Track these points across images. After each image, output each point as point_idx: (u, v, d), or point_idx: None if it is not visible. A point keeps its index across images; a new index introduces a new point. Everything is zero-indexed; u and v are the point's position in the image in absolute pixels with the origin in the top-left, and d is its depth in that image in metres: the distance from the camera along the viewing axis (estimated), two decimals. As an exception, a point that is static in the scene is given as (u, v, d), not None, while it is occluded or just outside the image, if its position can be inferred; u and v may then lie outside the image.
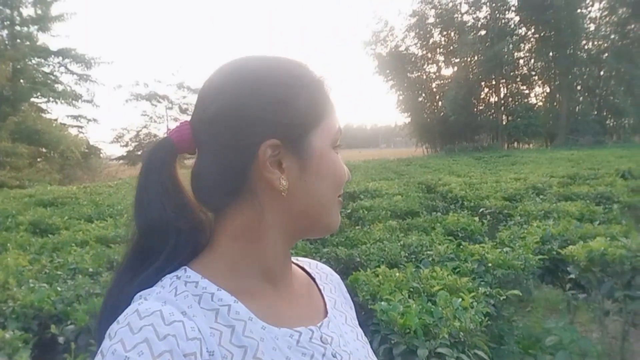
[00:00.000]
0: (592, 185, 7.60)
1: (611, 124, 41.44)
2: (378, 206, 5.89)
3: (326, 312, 0.70)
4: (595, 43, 42.16)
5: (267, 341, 0.57)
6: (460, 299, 2.38)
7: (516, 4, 41.78)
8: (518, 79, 42.91)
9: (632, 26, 39.62)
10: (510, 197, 6.79)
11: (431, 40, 43.98)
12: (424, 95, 44.28)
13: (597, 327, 3.78)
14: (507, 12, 43.11)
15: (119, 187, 14.09)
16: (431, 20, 43.57)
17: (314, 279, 0.76)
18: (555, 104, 41.56)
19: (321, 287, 0.74)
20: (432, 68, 44.80)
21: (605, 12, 41.69)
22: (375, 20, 62.13)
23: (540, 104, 43.63)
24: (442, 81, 43.97)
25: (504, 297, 2.72)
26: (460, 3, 43.38)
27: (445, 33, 43.40)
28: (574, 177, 9.69)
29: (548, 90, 43.36)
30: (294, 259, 0.75)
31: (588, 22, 41.59)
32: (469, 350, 2.15)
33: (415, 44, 44.26)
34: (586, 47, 42.15)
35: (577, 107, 40.96)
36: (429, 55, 44.40)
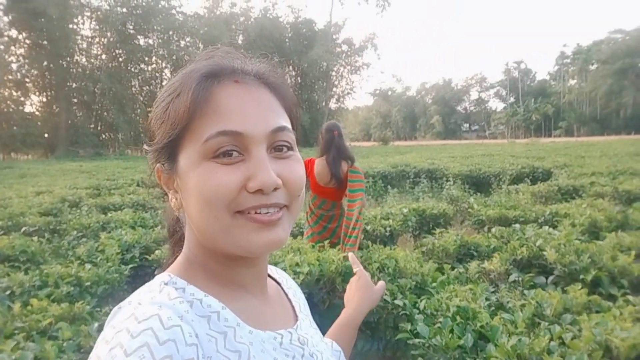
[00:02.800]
0: (123, 194, 8.15)
1: (107, 138, 44.61)
2: None
3: (296, 315, 0.73)
4: (89, 60, 44.15)
5: (255, 345, 0.58)
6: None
7: (5, 2, 37.82)
8: (11, 84, 38.97)
9: (120, 50, 44.14)
10: (48, 212, 6.33)
11: None
12: None
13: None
14: (-6, 8, 38.39)
15: None
16: None
17: (279, 284, 0.78)
18: (54, 114, 40.48)
19: (287, 292, 0.77)
20: None
21: (96, 33, 44.45)
22: None
23: (38, 113, 41.45)
24: None
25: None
26: None
27: None
28: (98, 187, 10.00)
29: (45, 99, 41.72)
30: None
31: (81, 39, 43.00)
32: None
33: None
34: (81, 62, 43.45)
35: (76, 120, 41.63)
36: None
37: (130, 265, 3.41)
